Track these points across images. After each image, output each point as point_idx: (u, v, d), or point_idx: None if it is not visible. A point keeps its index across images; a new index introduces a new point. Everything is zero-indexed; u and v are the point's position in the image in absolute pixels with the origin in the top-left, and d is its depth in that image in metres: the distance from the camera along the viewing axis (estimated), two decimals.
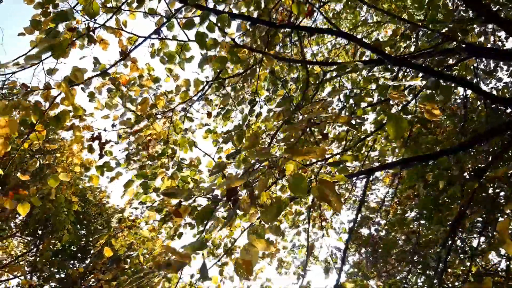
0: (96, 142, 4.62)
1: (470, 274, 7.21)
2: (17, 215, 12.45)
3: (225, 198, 2.29)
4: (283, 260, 8.10)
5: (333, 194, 1.76)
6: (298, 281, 6.70)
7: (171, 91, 5.63)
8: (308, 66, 5.51)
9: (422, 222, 7.47)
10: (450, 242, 6.98)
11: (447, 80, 4.50)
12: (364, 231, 10.33)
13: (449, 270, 8.26)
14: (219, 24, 4.01)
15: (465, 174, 6.72)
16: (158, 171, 5.15)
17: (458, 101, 8.04)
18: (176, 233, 5.39)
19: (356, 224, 6.98)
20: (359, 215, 8.28)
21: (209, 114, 6.08)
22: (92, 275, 8.48)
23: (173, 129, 5.19)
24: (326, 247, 8.51)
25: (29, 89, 2.94)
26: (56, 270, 9.64)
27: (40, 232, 9.88)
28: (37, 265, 8.81)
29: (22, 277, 10.78)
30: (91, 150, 4.83)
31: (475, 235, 8.29)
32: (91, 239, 10.50)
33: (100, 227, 10.45)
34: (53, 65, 3.86)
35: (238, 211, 2.70)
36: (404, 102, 5.29)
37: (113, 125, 4.83)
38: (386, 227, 8.55)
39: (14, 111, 3.24)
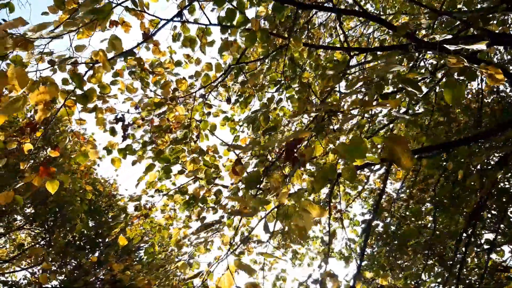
0: (120, 124, 4.56)
1: (487, 269, 7.14)
2: (26, 207, 12.42)
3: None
4: (297, 252, 8.04)
5: (404, 150, 1.69)
6: (319, 269, 6.61)
7: (192, 76, 5.58)
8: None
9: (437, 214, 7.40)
10: (465, 234, 6.91)
11: (475, 63, 4.43)
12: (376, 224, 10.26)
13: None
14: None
15: (485, 164, 6.65)
16: (181, 155, 5.09)
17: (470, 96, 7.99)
18: (200, 216, 5.33)
19: (375, 216, 6.92)
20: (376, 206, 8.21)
21: (228, 100, 6.02)
22: (104, 266, 8.43)
23: (195, 113, 5.13)
24: (341, 239, 8.43)
25: (57, 64, 2.89)
26: (68, 260, 9.59)
27: (51, 223, 9.83)
28: (49, 255, 8.76)
29: (38, 267, 10.74)
30: (113, 132, 4.77)
31: (491, 228, 8.22)
32: (100, 231, 10.45)
33: (110, 220, 10.39)
34: (75, 44, 3.80)
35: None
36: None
37: (136, 107, 4.77)
38: (397, 221, 8.48)
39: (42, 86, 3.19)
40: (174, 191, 7.04)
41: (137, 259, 9.97)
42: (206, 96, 5.54)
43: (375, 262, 7.32)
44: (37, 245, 13.79)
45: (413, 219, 8.14)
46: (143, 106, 4.70)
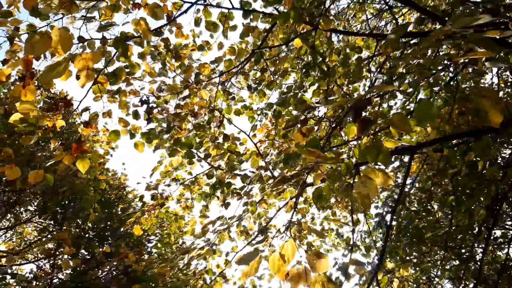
0: (144, 106, 4.47)
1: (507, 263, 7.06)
2: (34, 201, 12.32)
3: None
4: (312, 244, 7.95)
5: (493, 104, 1.58)
6: (345, 257, 6.54)
7: (213, 61, 5.49)
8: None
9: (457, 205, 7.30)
10: (485, 226, 6.82)
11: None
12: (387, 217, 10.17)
13: (476, 257, 8.10)
14: None
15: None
16: (204, 140, 5.00)
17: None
18: (225, 201, 5.24)
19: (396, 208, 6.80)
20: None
21: (249, 87, 5.93)
22: (116, 257, 8.34)
23: (218, 98, 5.04)
24: (357, 231, 8.34)
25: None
26: (79, 252, 9.51)
27: (61, 215, 9.73)
28: (62, 245, 8.66)
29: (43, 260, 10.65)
30: (136, 116, 4.68)
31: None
32: (109, 223, 10.35)
33: (119, 212, 10.30)
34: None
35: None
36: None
37: (160, 90, 4.68)
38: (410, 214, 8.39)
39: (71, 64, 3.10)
40: (192, 180, 6.96)
41: (147, 251, 9.87)
42: (228, 83, 5.45)
43: (393, 253, 7.22)
44: (44, 239, 13.72)
45: (423, 213, 8.06)
46: (168, 89, 4.61)
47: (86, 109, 3.33)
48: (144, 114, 4.50)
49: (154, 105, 4.65)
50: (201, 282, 6.16)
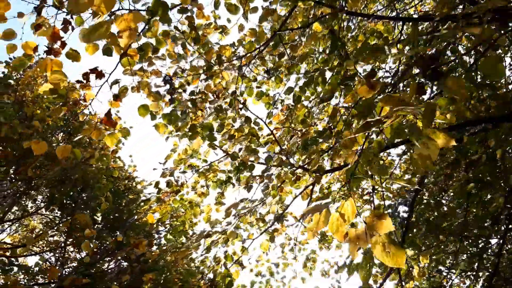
0: (167, 86, 4.39)
1: None
2: (41, 192, 12.23)
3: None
4: (326, 234, 7.87)
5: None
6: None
7: (233, 44, 5.41)
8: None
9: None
10: (503, 216, 6.74)
11: None
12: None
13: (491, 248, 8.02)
14: None
15: None
16: (225, 122, 4.92)
17: None
18: (248, 184, 5.16)
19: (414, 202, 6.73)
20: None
21: (267, 72, 5.84)
22: (125, 247, 8.26)
23: (239, 81, 4.96)
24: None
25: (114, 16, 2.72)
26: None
27: (70, 205, 9.63)
28: (72, 234, 8.58)
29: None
30: (158, 96, 4.60)
31: None
32: (117, 214, 10.28)
33: (128, 203, 10.22)
34: None
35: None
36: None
37: (182, 71, 4.60)
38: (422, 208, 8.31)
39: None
40: (207, 168, 6.89)
41: (157, 242, 9.80)
42: (246, 67, 5.37)
43: (411, 242, 7.15)
44: (50, 231, 13.64)
45: (435, 206, 7.98)
46: (190, 69, 4.52)
47: (116, 81, 3.24)
48: (166, 94, 4.42)
49: (176, 86, 4.57)
50: (219, 269, 6.09)
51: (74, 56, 3.22)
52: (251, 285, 6.95)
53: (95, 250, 9.67)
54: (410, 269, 6.15)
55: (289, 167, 5.77)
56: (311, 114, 5.93)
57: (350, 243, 1.86)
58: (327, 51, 6.28)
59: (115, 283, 6.37)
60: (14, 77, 7.79)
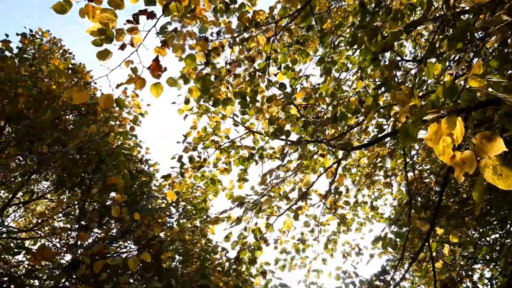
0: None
1: None
2: (52, 174, 12.04)
3: None
4: (345, 217, 7.74)
5: None
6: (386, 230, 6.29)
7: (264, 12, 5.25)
8: None
9: None
10: None
11: None
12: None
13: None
14: None
15: None
16: (259, 89, 4.77)
17: None
18: (284, 151, 5.01)
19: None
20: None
21: (298, 41, 5.68)
22: (138, 227, 8.11)
23: (268, 48, 4.79)
24: (389, 204, 8.14)
25: None
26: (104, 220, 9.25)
27: (82, 186, 9.44)
28: (87, 213, 8.39)
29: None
30: (192, 60, 4.44)
31: None
32: (128, 198, 10.09)
33: (141, 185, 10.04)
34: None
35: None
36: None
37: (218, 33, 4.44)
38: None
39: None
40: (228, 145, 6.74)
41: (169, 226, 9.65)
42: (283, 30, 5.21)
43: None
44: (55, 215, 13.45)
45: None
46: (225, 31, 4.36)
47: (164, 27, 3.08)
48: (201, 56, 4.25)
49: (211, 48, 4.41)
50: (241, 246, 5.96)
51: (116, 3, 3.06)
52: (275, 262, 6.82)
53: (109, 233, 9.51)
54: (439, 249, 6.03)
55: (314, 144, 5.63)
56: (341, 87, 5.78)
57: (456, 166, 1.71)
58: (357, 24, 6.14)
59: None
60: (30, 52, 7.62)
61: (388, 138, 6.53)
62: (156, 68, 2.87)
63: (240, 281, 6.05)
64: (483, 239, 7.34)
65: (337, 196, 7.18)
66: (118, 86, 3.07)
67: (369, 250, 7.81)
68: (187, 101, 6.79)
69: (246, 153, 6.68)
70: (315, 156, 6.16)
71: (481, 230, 7.50)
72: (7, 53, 7.12)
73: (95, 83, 9.72)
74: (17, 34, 7.45)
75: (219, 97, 6.58)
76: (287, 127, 5.78)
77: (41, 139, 7.45)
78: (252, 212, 4.92)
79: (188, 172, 6.73)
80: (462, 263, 7.56)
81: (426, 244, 5.60)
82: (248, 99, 4.66)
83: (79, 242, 12.60)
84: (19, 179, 10.54)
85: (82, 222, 10.13)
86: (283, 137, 5.39)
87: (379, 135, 6.20)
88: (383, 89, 6.55)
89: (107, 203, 7.65)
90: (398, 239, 5.14)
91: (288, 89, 5.47)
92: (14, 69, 6.45)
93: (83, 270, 5.28)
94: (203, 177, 6.72)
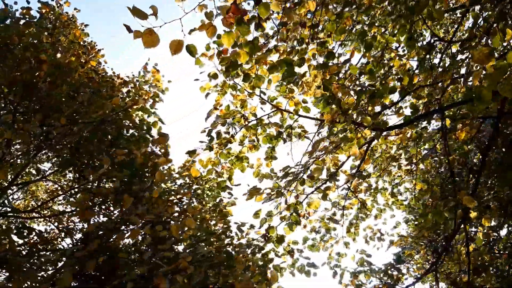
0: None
1: None
2: (52, 157, 11.75)
3: None
4: (365, 203, 7.66)
5: None
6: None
7: None
8: None
9: None
10: None
11: None
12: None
13: None
14: None
15: None
16: (306, 57, 4.64)
17: None
18: (334, 118, 4.87)
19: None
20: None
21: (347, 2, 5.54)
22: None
23: (324, 12, 4.67)
24: (409, 192, 8.09)
25: None
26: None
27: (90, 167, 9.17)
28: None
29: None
30: (240, 24, 4.29)
31: None
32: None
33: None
34: None
35: None
36: None
37: None
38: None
39: None
40: (255, 123, 6.61)
41: (181, 209, 9.46)
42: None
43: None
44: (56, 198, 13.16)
45: None
46: None
47: None
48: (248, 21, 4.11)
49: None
50: (271, 223, 5.84)
51: None
52: (304, 241, 6.70)
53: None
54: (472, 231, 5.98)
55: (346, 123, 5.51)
56: (380, 64, 5.69)
57: None
58: None
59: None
60: (51, 20, 7.37)
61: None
62: (235, 11, 2.72)
63: (266, 260, 5.92)
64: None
65: (360, 180, 7.10)
66: (191, 32, 2.91)
67: (390, 237, 7.74)
68: (215, 76, 6.64)
69: (274, 131, 6.55)
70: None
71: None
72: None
73: (106, 63, 9.44)
74: (38, 1, 7.19)
75: (250, 72, 6.45)
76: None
77: (57, 111, 7.20)
78: (293, 185, 4.79)
79: (213, 149, 6.59)
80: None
81: (462, 226, 5.55)
82: (294, 67, 4.52)
83: (79, 226, 12.31)
84: (23, 158, 10.24)
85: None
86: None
87: (413, 116, 6.14)
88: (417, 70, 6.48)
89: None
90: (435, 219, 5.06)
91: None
92: (39, 35, 6.20)
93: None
94: (229, 154, 6.57)
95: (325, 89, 4.57)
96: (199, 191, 9.14)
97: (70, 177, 12.15)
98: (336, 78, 4.67)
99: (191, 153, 6.48)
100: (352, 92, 4.92)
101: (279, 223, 5.88)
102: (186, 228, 5.79)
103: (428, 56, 6.07)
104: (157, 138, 3.96)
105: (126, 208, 6.09)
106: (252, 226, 5.87)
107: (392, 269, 8.00)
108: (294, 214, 5.30)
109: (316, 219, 6.70)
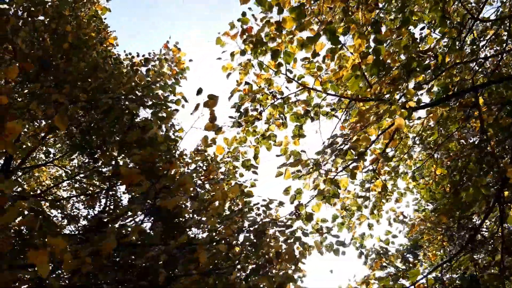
0: None
1: None
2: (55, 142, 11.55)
3: None
4: (387, 186, 7.62)
5: None
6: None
7: None
8: None
9: None
10: None
11: None
12: None
13: None
14: None
15: None
16: (352, 25, 4.55)
17: None
18: (379, 88, 4.79)
19: None
20: None
21: None
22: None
23: None
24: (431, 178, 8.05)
25: None
26: None
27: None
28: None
29: None
30: None
31: None
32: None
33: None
34: None
35: None
36: None
37: None
38: None
39: None
40: (282, 102, 6.51)
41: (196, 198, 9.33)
42: None
43: None
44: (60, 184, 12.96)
45: None
46: None
47: None
48: None
49: None
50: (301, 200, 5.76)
51: None
52: (333, 219, 6.63)
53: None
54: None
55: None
56: (415, 41, 5.62)
57: None
58: None
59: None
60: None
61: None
62: None
63: (294, 238, 5.84)
64: None
65: (384, 162, 7.05)
66: None
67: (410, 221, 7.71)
68: (243, 52, 6.55)
69: (301, 109, 6.47)
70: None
71: None
72: None
73: (117, 45, 9.25)
74: None
75: (279, 48, 6.35)
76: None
77: (77, 87, 7.02)
78: (329, 159, 4.71)
79: (242, 125, 6.50)
80: None
81: (496, 204, 5.52)
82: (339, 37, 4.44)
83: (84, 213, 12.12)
84: (30, 141, 10.04)
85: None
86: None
87: (444, 95, 6.09)
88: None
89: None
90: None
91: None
92: (63, 6, 6.04)
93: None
94: (255, 132, 6.47)
95: (376, 54, 4.46)
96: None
97: (75, 163, 11.97)
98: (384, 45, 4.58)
99: (218, 130, 6.37)
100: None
101: (308, 200, 5.81)
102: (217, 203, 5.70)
103: (461, 35, 6.03)
104: (206, 101, 3.82)
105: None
106: (281, 203, 5.78)
107: (409, 255, 7.98)
108: (333, 186, 5.22)
109: (346, 197, 6.65)
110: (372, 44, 4.61)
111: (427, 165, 7.83)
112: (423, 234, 8.24)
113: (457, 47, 6.01)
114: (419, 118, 6.65)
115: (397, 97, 4.93)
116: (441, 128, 6.94)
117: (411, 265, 7.90)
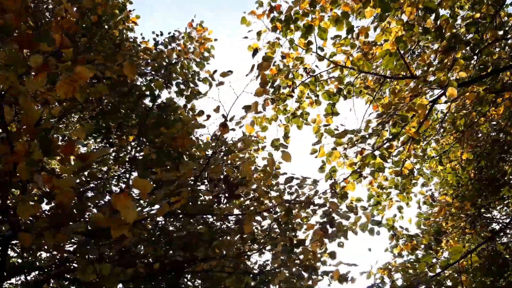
0: None
1: None
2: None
3: None
4: (413, 172, 7.49)
5: None
6: None
7: None
8: None
9: None
10: None
11: None
12: None
13: None
14: None
15: None
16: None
17: None
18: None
19: None
20: None
21: None
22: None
23: None
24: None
25: None
26: None
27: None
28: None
29: None
30: None
31: None
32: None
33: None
34: None
35: None
36: None
37: None
38: None
39: None
40: (311, 81, 6.40)
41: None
42: None
43: None
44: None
45: None
46: None
47: None
48: None
49: None
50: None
51: None
52: (368, 198, 6.51)
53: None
54: None
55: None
56: (455, 15, 5.49)
57: None
58: None
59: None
60: None
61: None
62: None
63: (328, 217, 5.71)
64: None
65: (416, 145, 6.94)
66: None
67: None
68: (275, 28, 6.42)
69: (333, 87, 6.34)
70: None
71: None
72: None
73: (137, 25, 9.02)
74: None
75: (312, 24, 6.20)
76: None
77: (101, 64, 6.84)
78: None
79: (268, 105, 6.36)
80: None
81: None
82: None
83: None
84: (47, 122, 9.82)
85: None
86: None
87: (482, 73, 5.97)
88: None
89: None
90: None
91: None
92: None
93: None
94: (286, 111, 6.34)
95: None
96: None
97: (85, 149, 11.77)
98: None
99: (248, 108, 6.23)
100: None
101: (343, 179, 5.69)
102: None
103: (498, 12, 5.90)
104: (260, 63, 3.70)
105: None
106: (315, 182, 5.65)
107: (432, 242, 7.87)
108: (378, 159, 5.10)
109: (383, 175, 6.52)
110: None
111: (454, 149, 7.72)
112: (447, 220, 8.14)
113: (493, 26, 5.89)
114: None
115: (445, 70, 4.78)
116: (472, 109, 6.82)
117: (433, 252, 7.80)
